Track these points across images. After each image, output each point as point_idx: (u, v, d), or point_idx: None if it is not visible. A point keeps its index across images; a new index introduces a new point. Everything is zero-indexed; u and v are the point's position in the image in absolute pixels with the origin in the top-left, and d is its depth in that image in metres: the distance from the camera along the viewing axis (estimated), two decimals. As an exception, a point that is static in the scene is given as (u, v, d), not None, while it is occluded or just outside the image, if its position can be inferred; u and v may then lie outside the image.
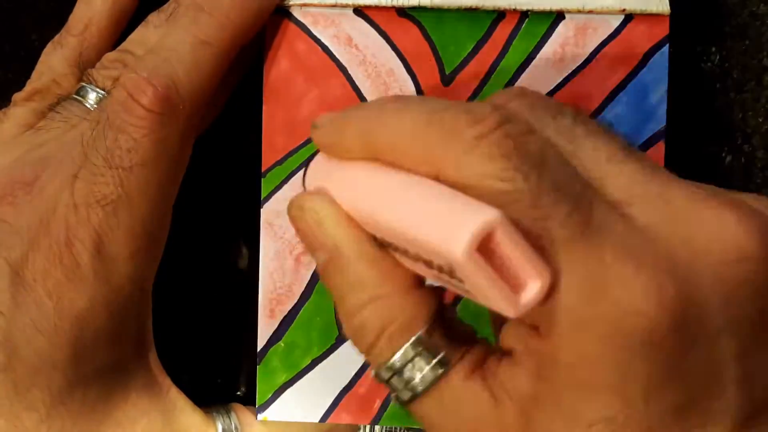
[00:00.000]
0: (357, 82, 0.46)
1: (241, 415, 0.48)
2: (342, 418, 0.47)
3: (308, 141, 0.46)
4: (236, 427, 0.48)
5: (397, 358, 0.36)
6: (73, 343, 0.42)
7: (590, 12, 0.45)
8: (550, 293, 0.32)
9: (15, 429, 0.41)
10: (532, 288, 0.32)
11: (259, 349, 0.47)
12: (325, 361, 0.47)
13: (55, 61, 0.48)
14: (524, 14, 0.46)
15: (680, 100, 0.47)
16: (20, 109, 0.47)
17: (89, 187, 0.42)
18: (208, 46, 0.43)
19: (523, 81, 0.46)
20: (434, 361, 0.35)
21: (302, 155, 0.46)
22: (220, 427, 0.47)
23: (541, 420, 0.33)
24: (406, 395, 0.36)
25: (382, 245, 0.36)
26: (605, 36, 0.45)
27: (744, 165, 0.51)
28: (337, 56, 0.46)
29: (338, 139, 0.38)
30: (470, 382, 0.35)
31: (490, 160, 0.32)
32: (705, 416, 0.33)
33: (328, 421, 0.47)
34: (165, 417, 0.46)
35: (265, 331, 0.47)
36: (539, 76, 0.46)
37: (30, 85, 0.48)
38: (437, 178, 0.34)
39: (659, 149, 0.46)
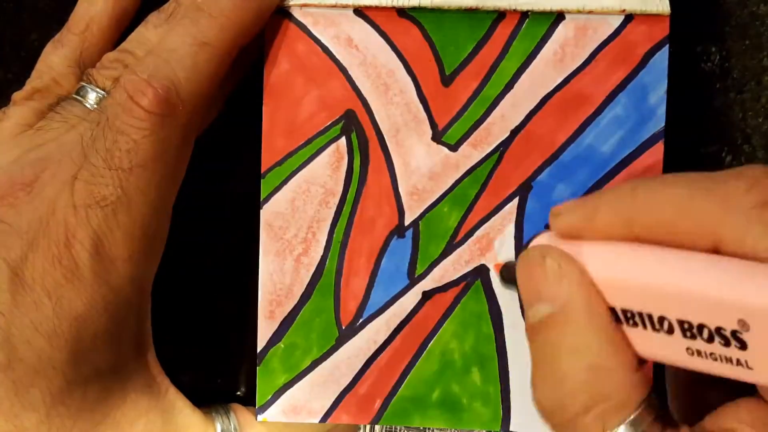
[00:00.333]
0: (357, 83, 0.46)
1: (240, 415, 0.48)
2: (342, 418, 0.47)
3: (308, 142, 0.46)
4: (235, 428, 0.48)
5: None
6: (72, 343, 0.42)
7: (590, 12, 0.45)
8: None
9: (14, 429, 0.41)
10: None
11: (259, 350, 0.47)
12: (325, 362, 0.47)
13: (55, 60, 0.48)
14: (524, 14, 0.46)
15: (680, 100, 0.47)
16: (20, 108, 0.47)
17: (89, 188, 0.42)
18: (207, 47, 0.43)
19: (523, 81, 0.46)
20: None
21: (302, 156, 0.46)
22: (219, 427, 0.48)
23: None
24: None
25: (616, 319, 0.35)
26: (605, 36, 0.45)
27: (744, 165, 0.51)
28: (338, 57, 0.46)
29: (588, 224, 0.36)
30: None
31: None
32: None
33: (329, 421, 0.47)
34: (164, 417, 0.46)
35: (265, 332, 0.47)
36: (539, 77, 0.46)
37: (30, 84, 0.48)
38: (716, 251, 0.33)
39: (658, 149, 0.46)
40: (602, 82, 0.46)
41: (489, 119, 0.46)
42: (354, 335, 0.47)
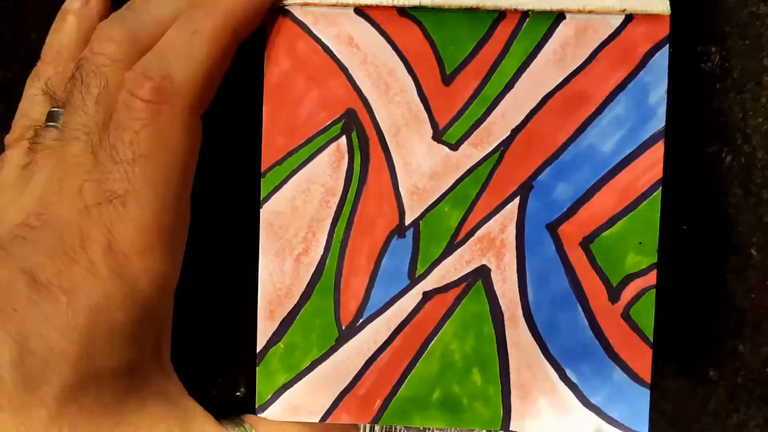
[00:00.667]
0: (358, 82, 0.46)
1: (254, 425, 0.48)
2: (342, 418, 0.47)
3: (308, 141, 0.46)
4: None
5: None
6: (86, 336, 0.42)
7: (591, 12, 0.45)
8: None
9: (23, 425, 0.41)
10: None
11: (258, 350, 0.47)
12: (325, 362, 0.47)
13: (36, 93, 0.49)
14: (525, 14, 0.46)
15: (680, 100, 0.47)
16: (15, 150, 0.48)
17: (98, 186, 0.43)
18: (199, 35, 0.44)
19: (523, 81, 0.46)
20: None
21: (302, 155, 0.46)
22: None
23: None
24: None
25: None
26: (605, 36, 0.45)
27: (744, 165, 0.51)
28: (338, 56, 0.46)
29: None
30: None
31: None
32: None
33: (328, 421, 0.47)
34: (182, 426, 0.46)
35: (264, 332, 0.47)
36: (540, 76, 0.46)
37: (18, 124, 0.49)
38: None
39: (658, 149, 0.45)
40: (603, 82, 0.46)
41: (490, 118, 0.46)
42: (354, 335, 0.47)
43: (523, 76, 0.46)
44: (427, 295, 0.46)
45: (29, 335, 0.41)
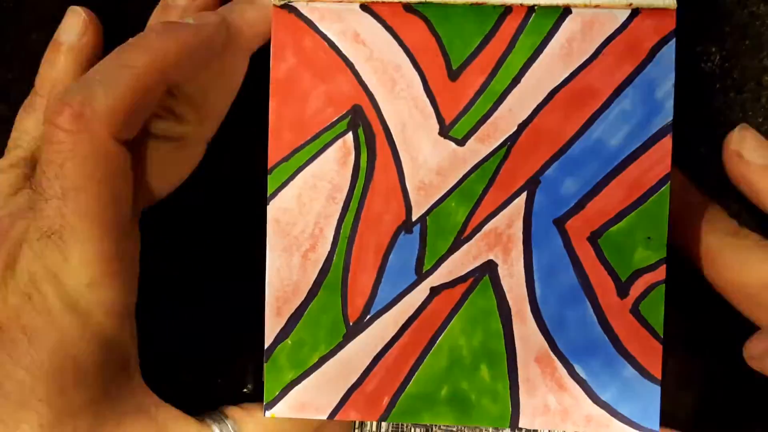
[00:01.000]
0: (364, 78, 0.46)
1: (235, 416, 0.48)
2: (350, 415, 0.46)
3: (315, 137, 0.46)
4: (234, 430, 0.47)
5: None
6: (53, 374, 0.41)
7: (597, 6, 0.45)
8: None
9: None
10: None
11: (266, 347, 0.46)
12: (332, 359, 0.46)
13: (30, 124, 0.49)
14: (531, 9, 0.46)
15: (680, 100, 0.47)
16: (6, 175, 0.48)
17: (36, 222, 0.42)
18: (128, 68, 0.43)
19: (530, 76, 0.46)
20: None
21: (309, 151, 0.46)
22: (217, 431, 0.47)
23: None
24: None
25: None
26: (612, 30, 0.45)
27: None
28: (344, 52, 0.46)
29: None
30: None
31: None
32: None
33: (336, 418, 0.47)
34: None
35: (272, 328, 0.46)
36: (546, 71, 0.46)
37: (11, 153, 0.49)
38: None
39: (666, 144, 0.46)
40: (609, 76, 0.46)
41: (496, 114, 0.46)
42: (361, 332, 0.46)
43: (530, 71, 0.46)
44: (434, 291, 0.46)
45: (0, 379, 0.41)
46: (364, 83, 0.46)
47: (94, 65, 0.44)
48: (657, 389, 0.46)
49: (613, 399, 0.46)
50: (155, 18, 0.49)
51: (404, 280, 0.46)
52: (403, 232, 0.46)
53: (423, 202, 0.46)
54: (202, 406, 0.50)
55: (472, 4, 0.45)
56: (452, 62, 0.46)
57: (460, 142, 0.46)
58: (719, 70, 0.51)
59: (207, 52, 0.46)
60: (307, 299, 0.46)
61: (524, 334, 0.46)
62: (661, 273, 0.46)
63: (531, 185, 0.46)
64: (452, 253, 0.46)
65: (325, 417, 0.47)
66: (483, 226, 0.46)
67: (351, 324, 0.46)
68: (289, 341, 0.46)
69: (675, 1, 0.45)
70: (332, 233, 0.46)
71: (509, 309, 0.46)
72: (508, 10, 0.46)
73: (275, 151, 0.46)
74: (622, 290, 0.46)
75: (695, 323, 0.52)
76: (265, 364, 0.46)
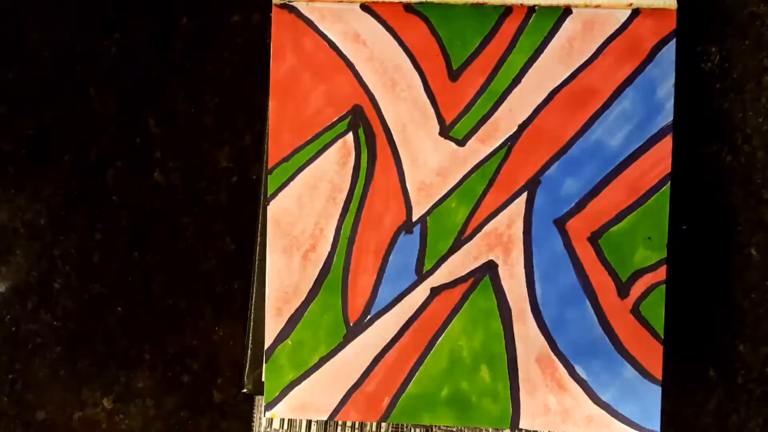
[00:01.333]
0: (364, 78, 0.46)
1: None
2: (350, 416, 0.46)
3: (315, 137, 0.46)
4: None
5: None
6: None
7: (597, 7, 0.45)
8: None
9: None
10: None
11: (266, 348, 0.46)
12: (332, 359, 0.46)
13: None
14: (531, 9, 0.46)
15: (680, 100, 0.47)
16: None
17: None
18: None
19: (530, 76, 0.46)
20: None
21: (309, 152, 0.46)
22: None
23: None
24: None
25: None
26: (612, 31, 0.45)
27: (744, 165, 0.51)
28: (344, 52, 0.46)
29: None
30: None
31: None
32: None
33: (337, 418, 0.47)
34: None
35: (272, 329, 0.46)
36: (546, 71, 0.46)
37: None
38: None
39: (667, 143, 0.46)
40: (610, 77, 0.46)
41: (497, 114, 0.46)
42: (362, 332, 0.46)
43: (530, 71, 0.46)
44: (434, 291, 0.46)
45: None
46: (365, 83, 0.46)
47: None
48: (657, 390, 0.46)
49: (613, 399, 0.46)
50: None
51: (405, 281, 0.46)
52: (403, 233, 0.46)
53: (423, 203, 0.46)
54: (201, 406, 0.50)
55: (472, 5, 0.45)
56: (453, 62, 0.46)
57: (461, 143, 0.46)
58: (719, 70, 0.51)
59: None
60: (308, 300, 0.46)
61: (525, 334, 0.46)
62: (661, 273, 0.46)
63: (531, 185, 0.46)
64: (452, 254, 0.46)
65: (325, 417, 0.46)
66: (483, 227, 0.46)
67: (351, 324, 0.46)
68: (289, 342, 0.46)
69: (675, 2, 0.45)
70: (332, 233, 0.46)
71: (510, 309, 0.46)
72: (508, 10, 0.46)
73: (275, 151, 0.46)
74: (623, 290, 0.46)
75: (695, 323, 0.52)
76: (265, 365, 0.46)
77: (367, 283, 0.46)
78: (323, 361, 0.46)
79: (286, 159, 0.46)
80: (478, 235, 0.46)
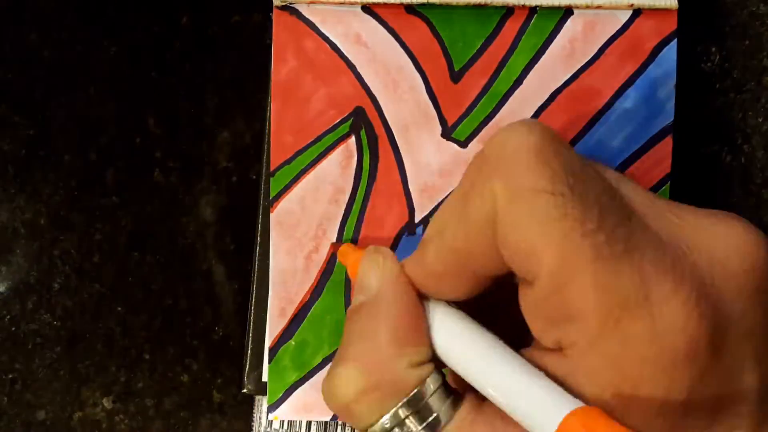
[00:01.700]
0: (366, 80, 0.46)
1: None
2: (353, 417, 0.47)
3: (317, 140, 0.46)
4: None
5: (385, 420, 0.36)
6: None
7: (598, 7, 0.45)
8: None
9: None
10: None
11: (269, 348, 0.46)
12: (336, 360, 0.46)
13: None
14: (533, 10, 0.46)
15: (681, 100, 0.47)
16: None
17: None
18: None
19: (532, 77, 0.46)
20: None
21: (311, 154, 0.46)
22: None
23: None
24: None
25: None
26: (614, 31, 0.46)
27: (744, 165, 0.51)
28: (346, 54, 0.46)
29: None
30: None
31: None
32: (731, 419, 0.34)
33: (339, 421, 0.47)
34: None
35: (275, 329, 0.46)
36: (548, 72, 0.46)
37: None
38: None
39: (667, 144, 0.46)
40: (611, 77, 0.46)
41: (499, 115, 0.46)
42: (365, 333, 0.46)
43: (532, 72, 0.46)
44: (437, 292, 0.46)
45: None
46: (366, 85, 0.46)
47: None
48: None
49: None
50: None
51: None
52: (406, 234, 0.46)
53: (426, 204, 0.46)
54: (201, 406, 0.50)
55: (474, 6, 0.45)
56: (454, 64, 0.46)
57: (463, 144, 0.46)
58: (719, 70, 0.51)
59: None
60: (311, 300, 0.46)
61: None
62: (662, 273, 0.46)
63: (533, 186, 0.46)
64: (454, 255, 0.46)
65: (328, 418, 0.47)
66: (485, 228, 0.46)
67: (354, 325, 0.46)
68: (292, 342, 0.46)
69: (676, 2, 0.45)
70: (335, 235, 0.46)
71: None
72: (510, 11, 0.46)
73: (277, 153, 0.46)
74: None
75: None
76: (268, 366, 0.46)
77: (370, 284, 0.46)
78: (327, 361, 0.47)
79: (288, 161, 0.46)
80: (480, 236, 0.46)
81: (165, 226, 0.51)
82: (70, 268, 0.51)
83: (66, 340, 0.50)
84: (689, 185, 0.50)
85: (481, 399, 0.37)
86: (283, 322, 0.46)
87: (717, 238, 0.34)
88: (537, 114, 0.46)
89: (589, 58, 0.46)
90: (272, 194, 0.46)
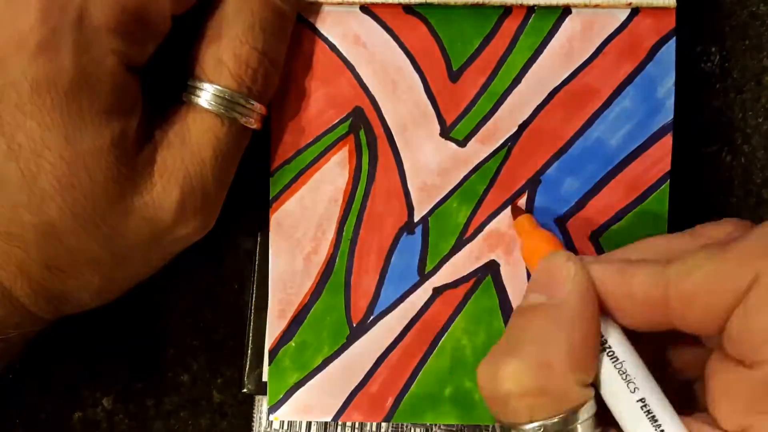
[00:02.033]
0: (365, 80, 0.46)
1: None
2: (354, 416, 0.47)
3: (316, 140, 0.46)
4: None
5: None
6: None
7: (597, 6, 0.45)
8: None
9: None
10: None
11: (270, 349, 0.46)
12: (336, 361, 0.47)
13: None
14: (531, 9, 0.46)
15: (680, 100, 0.47)
16: None
17: None
18: None
19: (530, 76, 0.46)
20: None
21: (310, 154, 0.46)
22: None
23: None
24: None
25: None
26: (612, 30, 0.46)
27: (744, 165, 0.51)
28: (345, 54, 0.46)
29: (624, 286, 0.39)
30: None
31: None
32: None
33: (341, 420, 0.47)
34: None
35: (275, 330, 0.46)
36: (546, 71, 0.46)
37: None
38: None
39: (667, 142, 0.46)
40: (610, 76, 0.46)
41: (497, 114, 0.46)
42: (365, 333, 0.46)
43: (530, 71, 0.46)
44: (437, 291, 0.46)
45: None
46: (365, 85, 0.46)
47: None
48: None
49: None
50: None
51: (407, 281, 0.46)
52: (405, 233, 0.46)
53: (425, 203, 0.46)
54: (201, 406, 0.50)
55: (472, 5, 0.46)
56: (453, 63, 0.46)
57: (461, 143, 0.46)
58: (719, 70, 0.51)
59: None
60: (311, 301, 0.46)
61: (527, 333, 0.46)
62: (661, 272, 0.46)
63: (532, 185, 0.46)
64: (454, 254, 0.46)
65: (329, 419, 0.47)
66: (485, 227, 0.46)
67: (354, 325, 0.46)
68: (292, 343, 0.46)
69: (675, 0, 0.45)
70: (335, 235, 0.46)
71: (512, 308, 0.46)
72: (507, 10, 0.46)
73: (277, 153, 0.46)
74: (623, 289, 0.46)
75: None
76: (268, 367, 0.46)
77: (370, 284, 0.46)
78: (327, 362, 0.47)
79: (287, 161, 0.46)
80: (479, 235, 0.46)
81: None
82: (72, 272, 0.51)
83: (66, 339, 0.50)
84: (689, 185, 0.50)
85: None
86: (283, 324, 0.46)
87: None
88: (535, 113, 0.46)
89: (587, 57, 0.46)
90: (271, 194, 0.46)
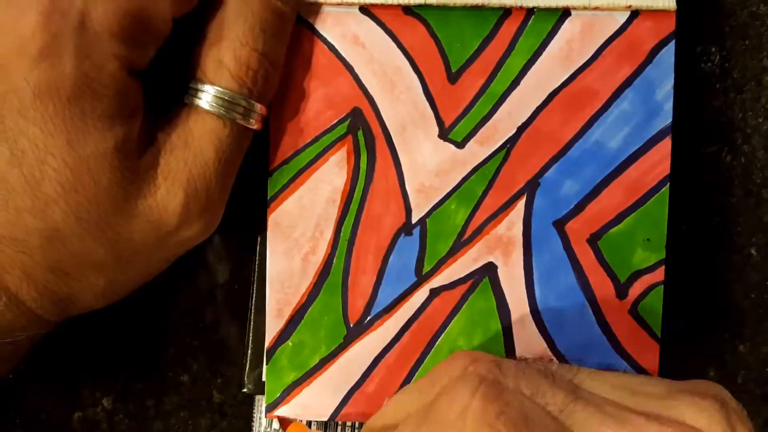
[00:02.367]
0: (364, 81, 0.46)
1: None
2: (351, 416, 0.47)
3: (315, 140, 0.46)
4: None
5: None
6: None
7: (596, 8, 0.45)
8: None
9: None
10: None
11: (267, 349, 0.47)
12: (333, 360, 0.47)
13: None
14: (530, 11, 0.46)
15: (680, 100, 0.47)
16: None
17: None
18: None
19: (529, 78, 0.46)
20: None
21: (309, 154, 0.46)
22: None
23: None
24: None
25: None
26: (611, 32, 0.46)
27: (744, 165, 0.51)
28: (344, 55, 0.46)
29: None
30: None
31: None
32: None
33: (338, 419, 0.47)
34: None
35: (273, 330, 0.47)
36: (545, 73, 0.46)
37: None
38: None
39: (666, 145, 0.46)
40: (609, 78, 0.46)
41: (496, 116, 0.46)
42: (362, 333, 0.47)
43: (529, 73, 0.46)
44: (434, 292, 0.46)
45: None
46: (364, 86, 0.46)
47: None
48: None
49: (612, 399, 0.46)
50: None
51: (404, 282, 0.47)
52: (403, 234, 0.46)
53: (423, 205, 0.46)
54: (201, 406, 0.50)
55: (471, 7, 0.46)
56: (452, 65, 0.46)
57: (460, 145, 0.46)
58: (719, 70, 0.51)
59: None
60: (308, 301, 0.47)
61: (524, 334, 0.46)
62: (659, 274, 0.46)
63: (531, 187, 0.46)
64: (452, 255, 0.46)
65: (326, 418, 0.47)
66: (483, 228, 0.46)
67: (351, 325, 0.47)
68: (290, 343, 0.47)
69: (674, 3, 0.45)
70: (333, 235, 0.46)
71: (509, 310, 0.46)
72: (507, 12, 0.46)
73: (275, 154, 0.46)
74: (621, 291, 0.46)
75: (695, 323, 0.52)
76: (266, 366, 0.47)
77: (367, 284, 0.47)
78: (324, 361, 0.47)
79: (285, 161, 0.46)
80: (477, 237, 0.46)
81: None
82: (72, 268, 0.51)
83: (66, 339, 0.50)
84: (689, 185, 0.50)
85: None
86: (280, 323, 0.46)
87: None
88: (534, 115, 0.46)
89: (586, 59, 0.46)
90: (269, 194, 0.46)
